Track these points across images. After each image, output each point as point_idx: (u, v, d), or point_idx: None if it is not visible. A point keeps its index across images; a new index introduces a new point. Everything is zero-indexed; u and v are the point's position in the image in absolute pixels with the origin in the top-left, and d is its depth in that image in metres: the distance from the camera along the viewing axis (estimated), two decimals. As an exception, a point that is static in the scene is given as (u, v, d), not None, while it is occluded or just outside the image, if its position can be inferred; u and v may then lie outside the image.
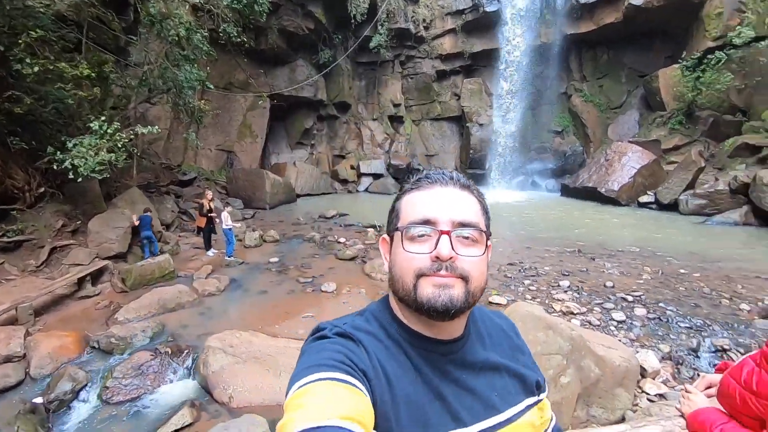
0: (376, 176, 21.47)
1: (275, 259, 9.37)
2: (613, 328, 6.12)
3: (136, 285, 7.52)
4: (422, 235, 0.69)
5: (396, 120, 23.38)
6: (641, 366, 4.87)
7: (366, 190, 21.30)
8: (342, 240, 10.90)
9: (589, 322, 6.23)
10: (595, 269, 8.62)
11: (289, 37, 19.58)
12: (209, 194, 10.09)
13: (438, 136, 23.71)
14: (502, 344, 0.77)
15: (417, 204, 0.72)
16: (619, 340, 5.58)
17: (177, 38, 9.61)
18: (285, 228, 12.74)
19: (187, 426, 4.19)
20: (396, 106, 22.99)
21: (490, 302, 6.83)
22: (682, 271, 8.44)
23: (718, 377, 1.15)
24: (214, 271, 8.49)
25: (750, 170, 13.75)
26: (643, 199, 15.86)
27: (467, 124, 21.88)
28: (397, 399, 0.64)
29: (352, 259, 9.30)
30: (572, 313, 6.47)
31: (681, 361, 5.34)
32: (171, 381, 5.00)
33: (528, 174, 21.23)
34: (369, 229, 11.96)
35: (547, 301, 6.86)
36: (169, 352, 5.37)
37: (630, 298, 7.00)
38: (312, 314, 6.50)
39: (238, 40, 13.36)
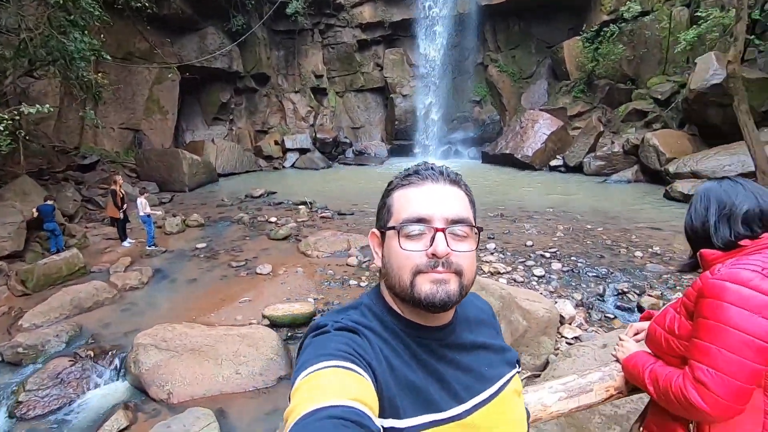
0: (303, 151, 20.89)
1: (202, 245, 8.86)
2: (534, 282, 6.74)
3: (40, 286, 6.70)
4: (416, 233, 0.70)
5: (319, 92, 22.71)
6: (560, 314, 5.46)
7: (293, 165, 20.68)
8: (273, 219, 10.58)
9: (514, 280, 6.80)
10: (517, 230, 9.34)
11: (195, 1, 17.84)
12: (119, 179, 9.13)
13: (363, 107, 23.53)
14: (484, 325, 0.83)
15: (410, 201, 0.73)
16: (541, 293, 6.17)
17: (60, 0, 8.29)
18: (209, 211, 12.02)
19: (123, 429, 3.93)
20: (318, 77, 22.28)
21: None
22: (588, 227, 9.45)
23: (643, 324, 1.35)
24: (133, 262, 7.82)
25: (639, 133, 15.57)
26: (554, 162, 17.30)
27: (391, 96, 21.94)
28: (401, 385, 0.66)
29: (286, 238, 9.10)
30: (499, 273, 6.99)
31: (591, 306, 6.07)
32: (98, 385, 4.62)
33: (452, 143, 22.02)
34: (300, 207, 11.72)
35: (477, 264, 7.32)
36: (92, 355, 4.93)
37: (547, 255, 7.73)
38: (249, 298, 6.32)
39: (138, 4, 11.88)
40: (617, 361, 1.25)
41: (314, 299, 6.24)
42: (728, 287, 0.98)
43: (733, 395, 0.94)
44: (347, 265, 7.52)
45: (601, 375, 1.21)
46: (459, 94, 22.52)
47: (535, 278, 6.84)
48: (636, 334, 1.33)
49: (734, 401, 0.94)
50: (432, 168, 0.76)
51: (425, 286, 0.68)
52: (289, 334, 5.50)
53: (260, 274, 7.22)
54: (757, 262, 0.99)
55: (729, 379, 0.94)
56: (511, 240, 8.63)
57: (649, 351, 1.20)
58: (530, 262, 7.41)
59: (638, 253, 7.72)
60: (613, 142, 16.17)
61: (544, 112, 18.33)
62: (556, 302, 5.83)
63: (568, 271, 7.11)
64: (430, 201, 0.71)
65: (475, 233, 0.73)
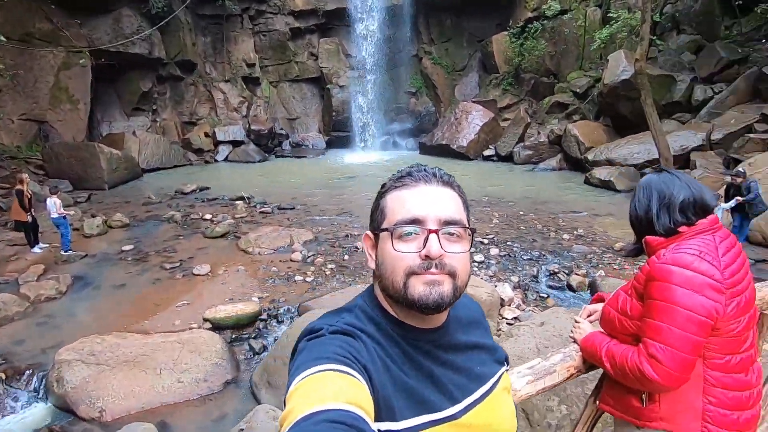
0: (236, 143, 19.91)
1: (129, 247, 8.17)
2: (475, 268, 7.04)
3: (-71, 304, 5.79)
4: (410, 234, 0.70)
5: (251, 81, 21.70)
6: (500, 297, 5.78)
7: (226, 159, 19.66)
8: (208, 217, 10.02)
9: (457, 267, 7.05)
10: (456, 219, 9.69)
11: (105, -22, 16.18)
12: (25, 177, 8.10)
13: (298, 98, 22.91)
14: (475, 325, 0.84)
15: (404, 203, 0.72)
16: (482, 278, 6.47)
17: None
18: (134, 209, 11.10)
19: (49, 456, 3.55)
20: (250, 66, 21.27)
21: (371, 261, 7.18)
22: (521, 213, 10.06)
23: (595, 306, 1.47)
24: (47, 270, 7.02)
25: (561, 124, 16.77)
26: (487, 152, 18.13)
27: (327, 86, 21.58)
28: (397, 387, 0.67)
29: (224, 236, 8.68)
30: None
31: (527, 288, 6.48)
32: (14, 411, 4.12)
33: (390, 134, 22.20)
34: (238, 202, 11.22)
35: (420, 253, 7.49)
36: (4, 377, 4.38)
37: (486, 241, 8.11)
38: (187, 301, 5.96)
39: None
40: (575, 342, 1.35)
41: (259, 298, 6.03)
42: (673, 270, 1.09)
43: (681, 366, 1.05)
44: (291, 260, 7.34)
45: (562, 356, 1.29)
46: (395, 85, 22.71)
47: (476, 264, 7.15)
48: (589, 315, 1.44)
49: (682, 372, 1.06)
50: (425, 170, 0.76)
51: (419, 288, 0.68)
52: (233, 336, 5.28)
53: (198, 274, 6.82)
54: (695, 246, 1.11)
55: (677, 352, 1.05)
56: (452, 228, 8.94)
57: (603, 331, 1.31)
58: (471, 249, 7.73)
59: (565, 236, 8.36)
60: (539, 133, 17.28)
61: (476, 104, 19.08)
62: (496, 286, 6.16)
63: (505, 255, 7.52)
64: (424, 202, 0.71)
65: (469, 234, 0.73)
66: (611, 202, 10.87)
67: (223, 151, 19.83)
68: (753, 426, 1.14)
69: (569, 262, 7.19)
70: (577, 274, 6.68)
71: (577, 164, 14.54)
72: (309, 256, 7.46)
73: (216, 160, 19.53)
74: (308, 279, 6.64)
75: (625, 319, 1.20)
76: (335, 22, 21.95)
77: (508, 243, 8.07)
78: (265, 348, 5.04)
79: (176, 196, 12.58)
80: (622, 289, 1.26)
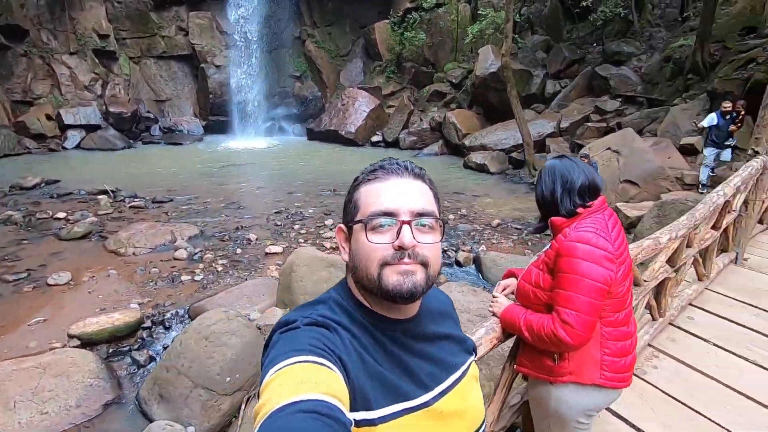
0: (91, 128, 17.00)
1: (-52, 259, 6.52)
2: (373, 252, 7.24)
3: None
4: (383, 226, 0.72)
5: (106, 56, 18.61)
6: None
7: (78, 146, 16.69)
8: (61, 215, 8.46)
9: (355, 252, 7.16)
10: (350, 205, 9.79)
11: None
12: None
13: (167, 78, 20.45)
14: (445, 316, 0.87)
15: (377, 195, 0.74)
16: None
17: None
18: (-49, 211, 8.84)
19: None
20: (103, 37, 18.19)
21: (267, 252, 6.89)
22: (410, 196, 10.57)
23: (507, 281, 1.63)
24: None
25: (441, 112, 17.95)
26: (374, 138, 18.56)
27: (202, 66, 19.65)
28: (372, 377, 0.69)
29: (85, 236, 7.44)
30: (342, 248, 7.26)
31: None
32: None
33: (275, 119, 21.25)
34: (100, 197, 9.67)
35: (318, 241, 7.42)
36: None
37: (381, 225, 8.37)
38: (44, 317, 5.02)
39: None
40: (494, 315, 1.48)
41: (139, 304, 5.35)
42: (578, 246, 1.26)
43: (588, 328, 1.24)
44: (175, 259, 6.65)
45: (485, 330, 1.41)
46: (278, 68, 21.73)
47: (373, 248, 7.35)
48: (504, 290, 1.59)
49: (588, 332, 1.24)
50: (397, 163, 0.78)
51: (392, 278, 0.70)
52: (110, 350, 4.62)
53: (55, 285, 5.76)
54: (592, 224, 1.30)
55: (584, 316, 1.23)
56: (347, 214, 9.01)
57: (519, 303, 1.46)
58: (367, 234, 7.90)
59: (450, 216, 9.05)
60: (421, 120, 18.24)
61: (362, 90, 19.31)
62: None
63: (399, 238, 7.85)
64: (396, 195, 0.73)
65: (440, 225, 0.76)
66: (487, 183, 12.08)
67: (74, 137, 16.84)
68: (632, 367, 1.40)
69: (456, 240, 7.82)
70: (463, 251, 7.29)
71: (457, 149, 15.76)
72: (196, 253, 6.84)
73: (65, 148, 16.51)
74: (197, 278, 6.09)
75: (538, 290, 1.36)
76: (206, -5, 20.01)
77: (401, 226, 8.43)
78: (152, 359, 4.52)
79: (13, 192, 10.35)
80: (534, 265, 1.42)
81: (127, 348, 4.68)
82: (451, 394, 0.76)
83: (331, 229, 8.04)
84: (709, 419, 2.07)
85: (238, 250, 7.00)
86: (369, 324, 0.74)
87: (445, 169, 14.25)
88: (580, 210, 1.36)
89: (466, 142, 15.07)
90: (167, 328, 5.04)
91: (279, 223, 8.30)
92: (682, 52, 13.26)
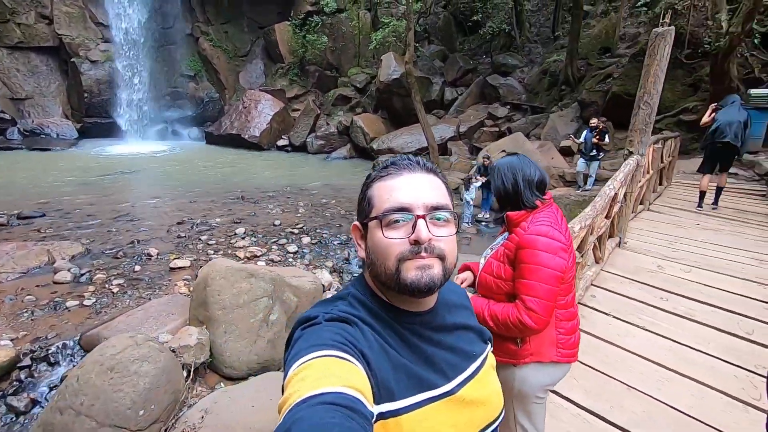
0: None
1: None
2: (291, 259, 7.01)
3: None
4: (398, 221, 0.72)
5: (-62, 42, 15.32)
6: (322, 284, 5.94)
7: None
8: None
9: (272, 260, 6.87)
10: (262, 211, 9.36)
11: None
12: None
13: (27, 72, 17.44)
14: (461, 307, 0.88)
15: (390, 191, 0.74)
16: (299, 268, 6.51)
17: None
18: None
19: None
20: (-68, 19, 14.94)
21: (172, 267, 6.27)
22: (324, 200, 10.47)
23: (463, 275, 1.69)
24: None
25: (347, 116, 18.10)
26: (280, 142, 18.01)
27: (73, 60, 17.18)
28: (395, 368, 0.70)
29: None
30: (256, 256, 6.90)
31: (342, 270, 6.85)
32: None
33: (168, 122, 19.42)
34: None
35: (230, 251, 6.96)
36: None
37: (296, 231, 8.14)
38: None
39: None
40: (457, 307, 1.54)
41: (12, 340, 4.47)
42: (538, 239, 1.38)
43: (549, 312, 1.35)
44: (55, 283, 5.70)
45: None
46: (169, 66, 19.92)
47: (291, 255, 7.12)
48: (461, 283, 1.66)
49: (549, 316, 1.36)
50: (408, 159, 0.78)
51: (411, 273, 0.71)
52: (-25, 399, 3.79)
53: None
54: (547, 218, 1.43)
55: (546, 302, 1.34)
56: (259, 222, 8.59)
57: (479, 295, 1.54)
58: (282, 241, 7.62)
59: (366, 219, 9.14)
60: (328, 124, 18.19)
61: (265, 93, 18.61)
62: (315, 273, 6.29)
63: (316, 243, 7.72)
64: (410, 190, 0.74)
65: (455, 218, 0.76)
66: (397, 185, 12.45)
67: None
68: (579, 342, 1.56)
69: (372, 241, 7.92)
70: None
71: (365, 153, 16.01)
72: (83, 274, 5.93)
73: None
74: (87, 302, 5.29)
75: (500, 281, 1.45)
76: (75, -20, 17.55)
77: (317, 230, 8.31)
78: (35, 403, 3.81)
79: None
80: (493, 258, 1.51)
81: (0, 393, 3.89)
82: (473, 382, 0.79)
83: (243, 238, 7.60)
84: (618, 380, 2.40)
85: (137, 268, 6.24)
86: (389, 318, 0.75)
87: (354, 171, 14.38)
88: (538, 203, 1.48)
89: (374, 146, 15.40)
90: (53, 364, 4.30)
91: (183, 235, 7.59)
92: (556, 66, 15.17)
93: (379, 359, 0.69)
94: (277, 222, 8.56)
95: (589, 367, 2.49)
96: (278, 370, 4.51)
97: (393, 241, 0.71)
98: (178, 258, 6.54)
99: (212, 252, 6.90)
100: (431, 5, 19.65)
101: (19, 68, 17.35)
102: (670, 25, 3.49)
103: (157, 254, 6.67)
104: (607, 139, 7.98)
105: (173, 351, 4.11)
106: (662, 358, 2.54)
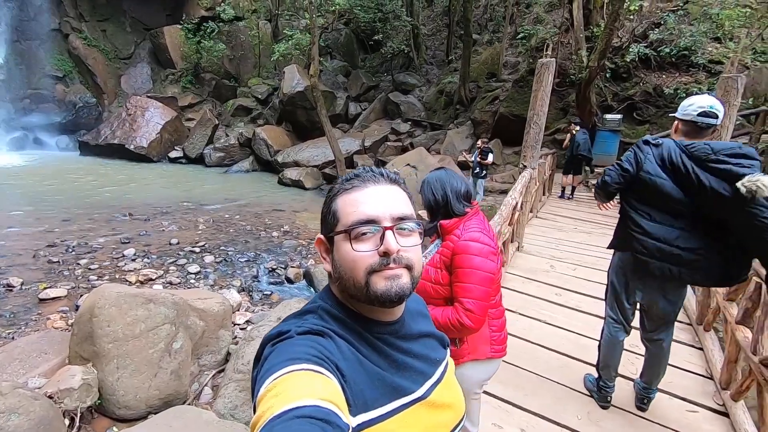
0: None
1: None
2: (193, 280, 6.45)
3: None
4: (366, 234, 0.73)
5: None
6: (231, 305, 5.55)
7: None
8: None
9: (171, 283, 6.25)
10: (155, 229, 8.47)
11: None
12: None
13: None
14: (422, 315, 0.90)
15: (356, 204, 0.75)
16: (203, 289, 6.01)
17: None
18: None
19: None
20: None
21: (42, 299, 5.34)
22: (227, 216, 9.85)
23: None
24: None
25: (248, 128, 17.35)
26: (173, 154, 16.55)
27: None
28: (370, 378, 0.71)
29: None
30: (151, 279, 6.22)
31: (251, 289, 6.49)
32: None
33: (28, 129, 16.58)
34: None
35: (118, 276, 6.17)
36: None
37: (197, 250, 7.52)
38: None
39: None
40: (398, 314, 1.57)
41: None
42: (471, 245, 1.47)
43: (484, 312, 1.45)
44: None
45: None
46: (29, 64, 17.14)
47: (192, 276, 6.56)
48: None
49: (485, 316, 1.46)
50: (372, 170, 0.79)
51: (380, 284, 0.72)
52: None
53: None
54: (477, 225, 1.54)
55: (481, 303, 1.44)
56: (152, 241, 7.77)
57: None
58: (182, 260, 6.99)
59: (275, 233, 8.84)
60: (228, 135, 17.23)
61: (153, 100, 17.00)
62: (221, 293, 5.86)
63: (221, 261, 7.22)
64: (376, 201, 0.75)
65: (420, 228, 0.78)
66: (304, 198, 12.25)
67: None
68: (507, 339, 1.70)
69: (283, 257, 7.67)
70: (292, 267, 7.22)
71: (269, 165, 15.48)
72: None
73: None
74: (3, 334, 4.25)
75: (438, 287, 1.51)
76: None
77: (221, 248, 7.78)
78: None
79: None
80: (430, 265, 1.57)
81: None
82: (440, 386, 0.82)
83: (133, 260, 6.79)
84: (527, 370, 2.66)
85: (-7, 302, 5.19)
86: (360, 328, 0.76)
87: (259, 185, 13.81)
88: (467, 210, 1.59)
89: (279, 159, 14.98)
90: None
91: (55, 260, 6.51)
92: (451, 87, 16.43)
93: (354, 370, 0.69)
94: (174, 240, 7.82)
95: (503, 361, 2.71)
96: (183, 403, 4.10)
97: (362, 253, 0.72)
98: (49, 287, 5.60)
99: (95, 278, 6.04)
100: (333, 21, 19.95)
101: None
102: (549, 58, 4.04)
103: (21, 284, 5.64)
104: (490, 158, 8.78)
105: (50, 397, 3.49)
106: (561, 347, 2.88)
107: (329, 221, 0.78)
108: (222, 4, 19.32)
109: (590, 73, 9.32)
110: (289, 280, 6.94)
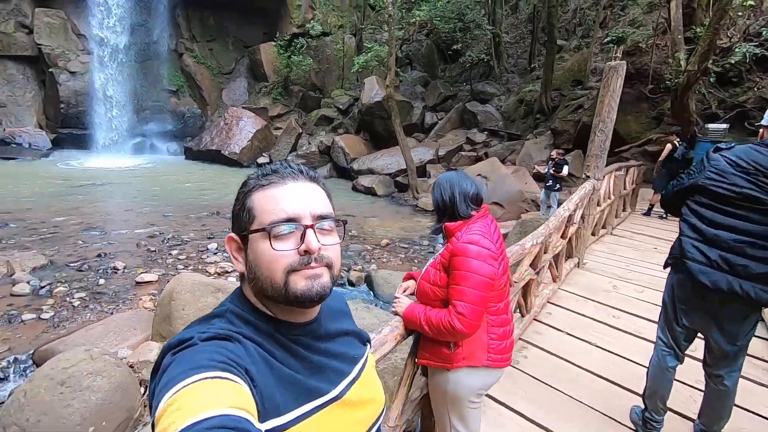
0: None
1: None
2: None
3: None
4: (285, 232, 0.70)
5: None
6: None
7: None
8: None
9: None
10: (236, 228, 9.28)
11: None
12: None
13: (2, 81, 17.10)
14: (342, 313, 0.90)
15: (276, 201, 0.72)
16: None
17: None
18: None
19: None
20: None
21: (138, 282, 6.14)
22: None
23: (406, 283, 1.76)
24: None
25: (329, 136, 18.27)
26: (261, 160, 17.99)
27: (51, 70, 16.96)
28: (281, 382, 0.68)
29: None
30: (227, 272, 6.82)
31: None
32: None
33: (146, 136, 19.22)
34: None
35: (200, 267, 6.86)
36: None
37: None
38: None
39: None
40: (397, 314, 1.60)
41: (-41, 353, 4.28)
42: (469, 247, 1.46)
43: (478, 317, 1.43)
44: (12, 295, 5.50)
45: (390, 328, 1.51)
46: (150, 80, 19.85)
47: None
48: (404, 291, 1.72)
49: (478, 321, 1.44)
50: (290, 166, 0.76)
51: (300, 283, 0.70)
52: None
53: None
54: (479, 229, 1.52)
55: (475, 307, 1.42)
56: (233, 237, 8.52)
57: (419, 302, 1.60)
58: (255, 257, 7.56)
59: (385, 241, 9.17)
60: (310, 143, 18.31)
61: (247, 110, 18.69)
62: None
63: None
64: (296, 199, 0.72)
65: (339, 226, 0.78)
66: (375, 205, 12.56)
67: None
68: (511, 350, 1.64)
69: (347, 260, 7.93)
70: (354, 270, 7.43)
71: (345, 172, 16.13)
72: (43, 287, 5.75)
73: None
74: (45, 315, 5.12)
75: (436, 288, 1.52)
76: (59, -9, 17.53)
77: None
78: (-21, 420, 3.62)
79: None
80: (431, 266, 1.59)
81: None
82: (357, 384, 0.80)
83: (215, 254, 7.51)
84: (565, 393, 2.47)
85: (101, 281, 6.08)
86: (273, 331, 0.73)
87: (334, 191, 14.12)
88: (473, 213, 1.57)
89: (355, 166, 15.54)
90: (2, 380, 4.13)
91: (153, 249, 7.46)
92: (531, 95, 15.78)
93: (264, 375, 0.66)
94: (251, 238, 8.50)
95: (538, 380, 2.56)
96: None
97: (282, 252, 0.69)
98: (145, 272, 6.42)
99: (182, 267, 6.79)
100: (414, 33, 20.31)
101: (-6, 76, 17.03)
102: (622, 60, 3.74)
103: (124, 268, 6.53)
104: (565, 171, 8.08)
105: (131, 366, 4.01)
106: (609, 372, 2.64)
107: (243, 218, 0.74)
108: (311, 21, 20.70)
109: (689, 77, 8.36)
110: (351, 283, 7.15)
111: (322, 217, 0.73)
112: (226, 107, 19.75)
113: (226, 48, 21.88)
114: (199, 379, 0.55)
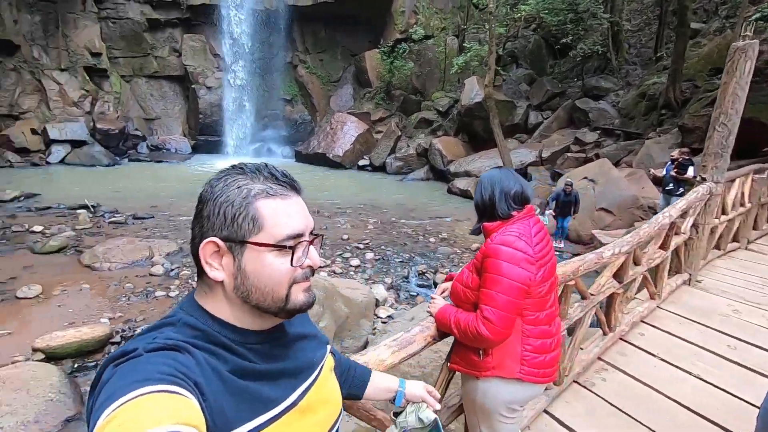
0: (77, 144, 16.99)
1: None
2: (352, 272, 7.28)
3: None
4: (295, 248, 0.70)
5: (97, 73, 18.79)
6: (375, 298, 6.08)
7: (62, 161, 16.62)
8: (38, 228, 8.37)
9: (334, 272, 7.20)
10: (333, 225, 9.86)
11: None
12: None
13: (158, 96, 20.66)
14: (301, 317, 0.87)
15: (287, 216, 0.70)
16: (358, 281, 6.72)
17: None
18: (-76, 222, 8.70)
19: None
20: (95, 55, 18.40)
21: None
22: (393, 219, 10.70)
23: (446, 284, 1.72)
24: None
25: (427, 139, 18.35)
26: (361, 162, 18.83)
27: (193, 86, 19.95)
28: (233, 395, 0.65)
29: (60, 250, 7.36)
30: (320, 267, 7.29)
31: (399, 288, 6.93)
32: None
33: (264, 141, 21.48)
34: (79, 212, 9.59)
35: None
36: None
37: (361, 246, 8.44)
38: (8, 331, 4.93)
39: None
40: (431, 315, 1.57)
41: (109, 319, 5.29)
42: (501, 249, 1.38)
43: (506, 324, 1.34)
44: (151, 275, 6.61)
45: (420, 328, 1.49)
46: (269, 91, 22.13)
47: (353, 268, 7.39)
48: (442, 292, 1.69)
49: (507, 329, 1.34)
50: (285, 175, 0.74)
51: (300, 296, 0.71)
52: (75, 365, 4.54)
53: (24, 298, 5.67)
54: (517, 229, 1.42)
55: (504, 313, 1.33)
56: (329, 235, 9.06)
57: (453, 303, 1.56)
58: (347, 254, 7.95)
59: (432, 239, 9.17)
60: (408, 146, 18.62)
61: (351, 115, 19.72)
62: (371, 288, 6.46)
63: (379, 259, 7.92)
64: (303, 214, 0.72)
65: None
66: (469, 208, 12.26)
67: (58, 152, 16.77)
68: (555, 364, 1.49)
69: (435, 262, 7.91)
70: (442, 273, 7.37)
71: (441, 175, 16.05)
72: (173, 269, 6.80)
73: (48, 162, 16.42)
74: (172, 293, 6.05)
75: (468, 290, 1.46)
76: (201, 19, 20.48)
77: (381, 247, 8.51)
78: (118, 374, 4.43)
79: (-10, 204, 10.23)
80: (466, 267, 1.53)
81: (93, 363, 4.60)
82: (314, 387, 0.79)
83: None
84: (647, 427, 2.13)
85: (216, 267, 6.97)
86: (231, 341, 0.69)
87: (429, 193, 14.48)
88: (514, 213, 1.48)
89: (451, 169, 15.38)
90: (137, 344, 4.97)
91: (260, 242, 8.31)
92: (656, 88, 13.91)
93: (215, 387, 0.62)
94: (345, 236, 8.96)
95: (619, 409, 2.26)
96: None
97: (290, 268, 0.69)
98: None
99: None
100: (520, 29, 19.36)
101: (153, 93, 20.59)
102: (753, 39, 3.11)
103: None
104: (690, 173, 6.85)
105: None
106: (709, 410, 2.22)
107: (243, 225, 0.68)
108: (414, 25, 21.03)
109: None
110: (436, 285, 7.12)
111: (312, 232, 0.74)
112: (333, 113, 21.07)
113: (334, 57, 23.34)
114: (144, 393, 0.51)
